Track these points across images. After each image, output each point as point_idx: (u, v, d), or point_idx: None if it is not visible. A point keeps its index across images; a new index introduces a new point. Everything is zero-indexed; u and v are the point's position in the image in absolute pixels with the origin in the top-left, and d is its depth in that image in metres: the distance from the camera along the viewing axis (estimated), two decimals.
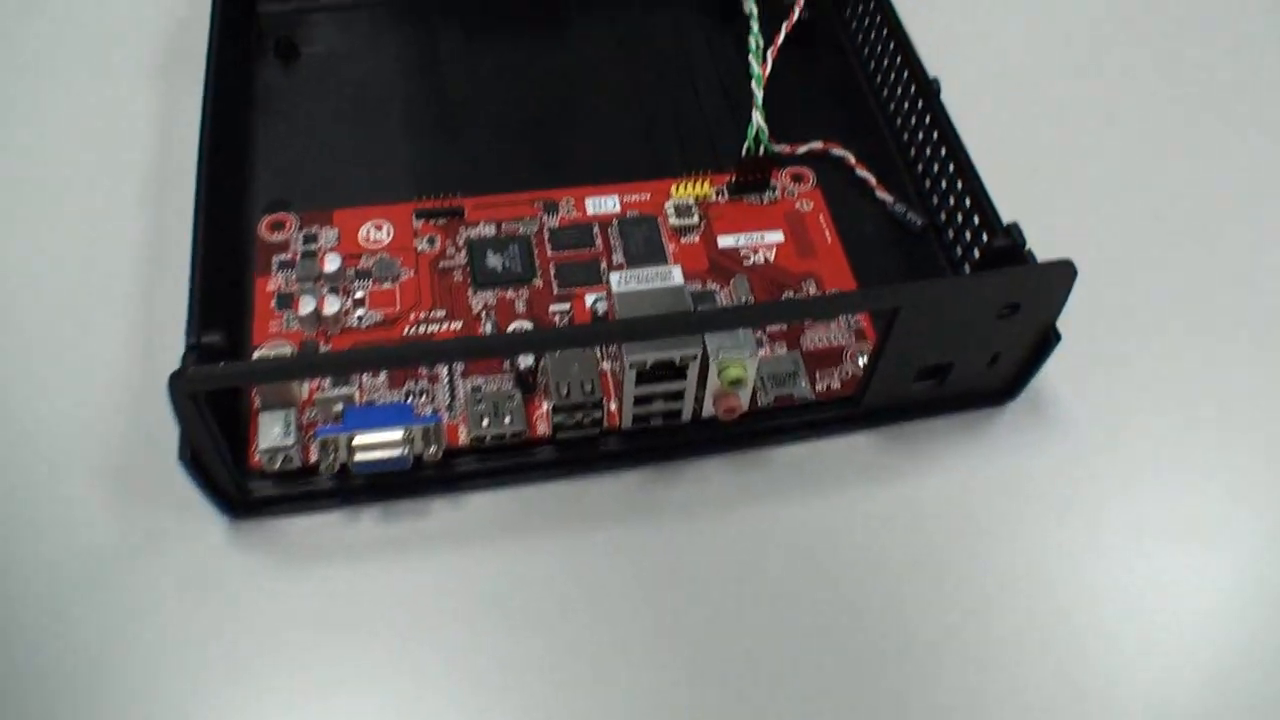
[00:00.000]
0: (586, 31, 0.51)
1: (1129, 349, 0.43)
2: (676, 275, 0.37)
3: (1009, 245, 0.40)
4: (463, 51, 0.50)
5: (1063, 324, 0.38)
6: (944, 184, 0.45)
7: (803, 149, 0.47)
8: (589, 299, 0.41)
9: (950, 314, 0.36)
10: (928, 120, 0.46)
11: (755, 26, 0.47)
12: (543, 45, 0.51)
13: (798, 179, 0.46)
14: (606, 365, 0.39)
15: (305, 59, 0.49)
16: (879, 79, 0.50)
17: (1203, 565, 0.38)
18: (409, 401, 0.38)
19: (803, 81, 0.50)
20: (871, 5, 0.49)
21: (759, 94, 0.44)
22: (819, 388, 0.40)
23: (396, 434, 0.35)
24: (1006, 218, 0.41)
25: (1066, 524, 0.38)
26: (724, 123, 0.47)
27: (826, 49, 0.52)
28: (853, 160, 0.47)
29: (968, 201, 0.43)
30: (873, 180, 0.46)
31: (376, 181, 0.45)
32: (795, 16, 0.49)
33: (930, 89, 0.45)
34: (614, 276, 0.36)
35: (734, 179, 0.45)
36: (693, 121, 0.48)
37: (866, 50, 0.50)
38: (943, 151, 0.45)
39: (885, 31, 0.48)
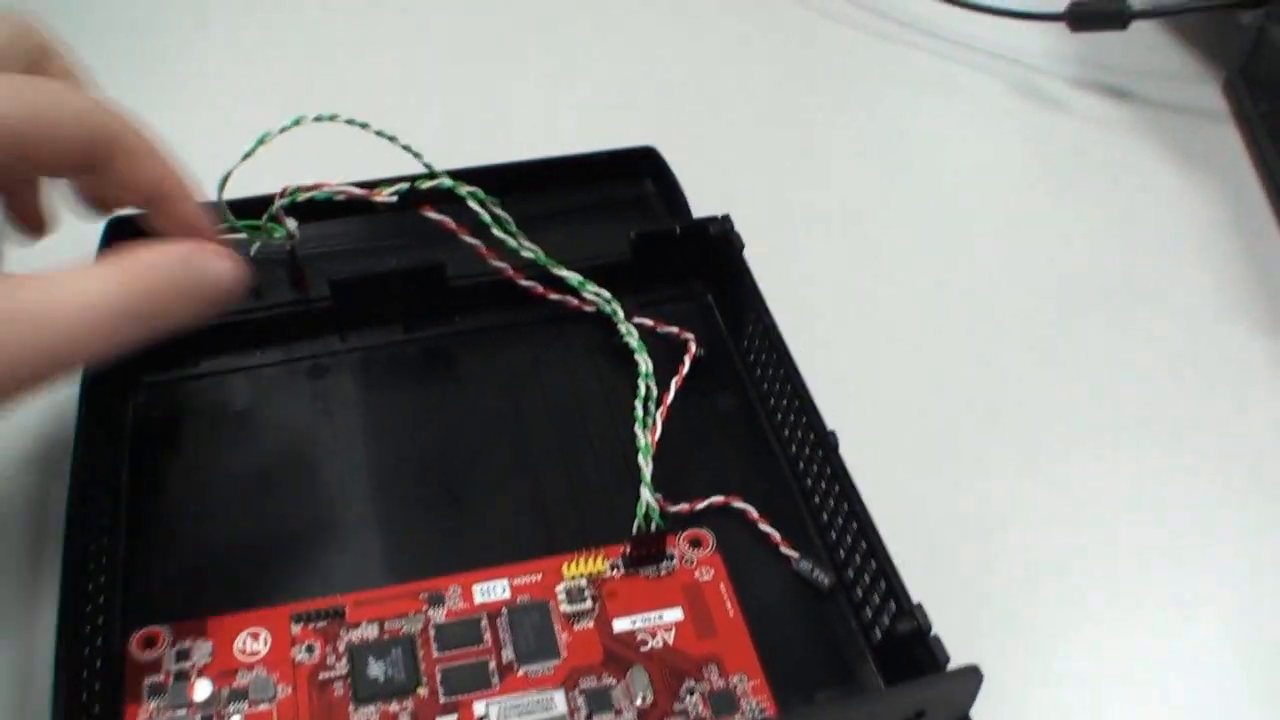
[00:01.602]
0: (476, 397, 0.50)
1: None
2: (559, 703, 0.34)
3: (914, 630, 0.38)
4: (344, 429, 0.48)
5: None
6: (849, 540, 0.43)
7: (702, 504, 0.45)
8: (478, 708, 0.38)
9: None
10: (829, 473, 0.44)
11: (643, 387, 0.46)
12: (430, 415, 0.49)
13: (696, 544, 0.44)
14: None
15: (183, 443, 0.47)
16: (779, 424, 0.48)
17: None
18: None
19: (701, 427, 0.49)
20: (767, 346, 0.48)
21: (646, 469, 0.42)
22: None
23: None
24: (916, 574, 0.40)
25: None
26: (621, 488, 0.45)
27: (725, 391, 0.50)
28: (754, 515, 0.45)
29: (873, 564, 0.41)
30: (776, 536, 0.44)
31: (254, 582, 0.43)
32: (685, 369, 0.47)
33: (829, 442, 0.44)
34: (493, 709, 0.34)
35: (628, 552, 0.42)
36: (587, 488, 0.46)
37: (766, 394, 0.49)
38: (845, 508, 0.43)
39: (781, 373, 0.47)
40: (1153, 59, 0.75)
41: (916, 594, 0.39)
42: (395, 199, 0.47)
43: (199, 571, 0.43)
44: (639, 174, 0.59)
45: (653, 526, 0.42)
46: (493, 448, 0.48)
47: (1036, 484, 0.50)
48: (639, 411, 0.45)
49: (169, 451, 0.47)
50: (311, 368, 0.51)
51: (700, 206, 0.55)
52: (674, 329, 0.51)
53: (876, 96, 0.71)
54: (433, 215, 0.48)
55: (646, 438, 0.44)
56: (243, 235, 0.48)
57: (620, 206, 0.58)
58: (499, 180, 0.53)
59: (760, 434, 0.49)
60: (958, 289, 0.58)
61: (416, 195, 0.48)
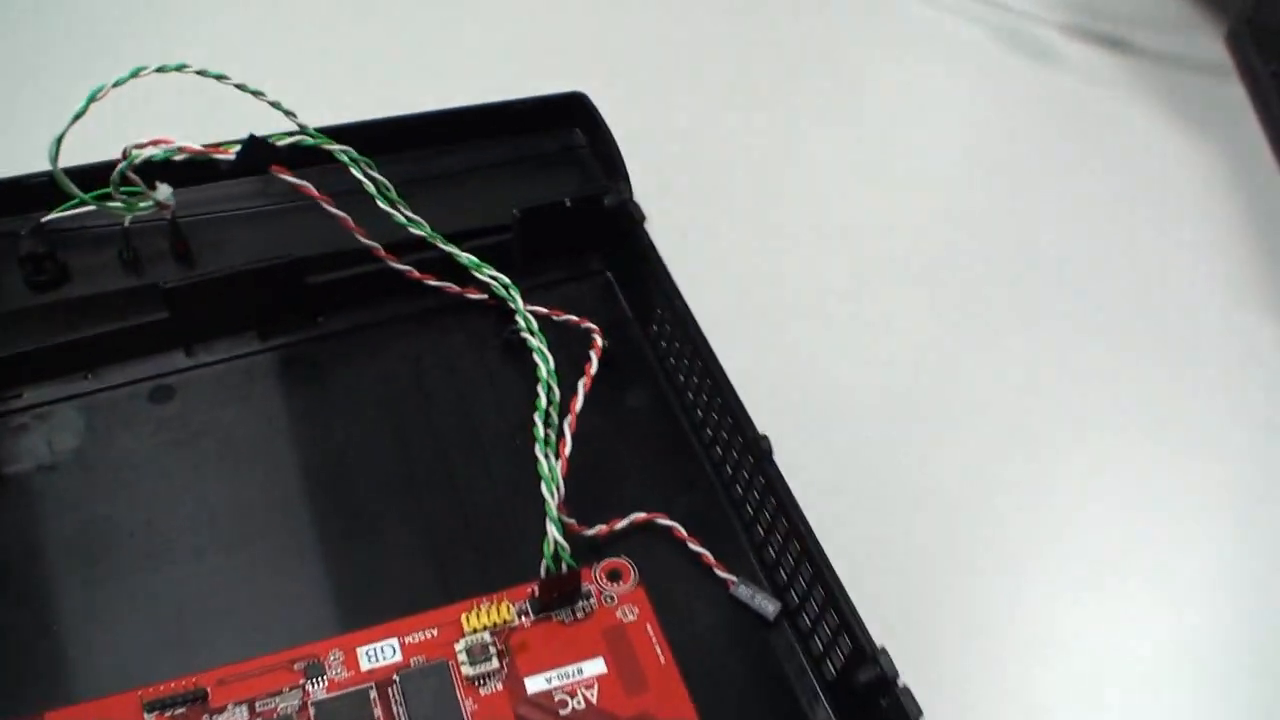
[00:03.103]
0: (350, 415, 0.43)
1: None
2: None
3: (878, 676, 0.32)
4: (195, 463, 0.41)
5: None
6: (791, 560, 0.37)
7: (621, 524, 0.39)
8: None
9: None
10: (762, 483, 0.38)
11: (543, 398, 0.39)
12: (296, 440, 0.42)
13: (615, 577, 0.38)
14: None
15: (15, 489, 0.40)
16: (700, 423, 0.42)
17: None
18: None
19: (613, 429, 0.43)
20: (680, 334, 0.42)
21: (552, 501, 0.36)
22: None
23: None
24: (870, 594, 0.35)
25: None
26: (525, 518, 0.39)
27: (635, 386, 0.44)
28: (681, 533, 0.39)
29: (820, 590, 0.35)
30: (709, 557, 0.38)
31: (93, 665, 0.36)
32: (593, 367, 0.40)
33: (760, 448, 0.37)
34: None
35: (535, 594, 0.36)
36: (486, 520, 0.40)
37: (683, 387, 0.43)
38: (783, 524, 0.37)
39: (699, 365, 0.41)
40: (1149, 6, 0.68)
41: (871, 617, 0.34)
42: (236, 157, 0.39)
43: (29, 657, 0.36)
44: (565, 125, 0.51)
45: (563, 566, 0.36)
46: (372, 477, 0.41)
47: (1014, 488, 0.44)
48: (540, 429, 0.38)
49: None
50: (154, 390, 0.43)
51: (640, 164, 0.47)
52: (573, 317, 0.44)
53: (844, 41, 0.64)
54: (289, 178, 0.40)
55: (551, 461, 0.37)
56: (92, 206, 0.42)
57: (542, 165, 0.51)
58: (382, 136, 0.46)
59: (681, 436, 0.43)
60: (920, 263, 0.52)
61: (272, 154, 0.40)
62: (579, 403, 0.39)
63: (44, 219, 0.42)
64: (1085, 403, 0.47)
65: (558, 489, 0.36)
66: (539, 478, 0.37)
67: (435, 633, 0.37)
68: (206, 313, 0.43)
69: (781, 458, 0.38)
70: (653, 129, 0.54)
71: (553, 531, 0.35)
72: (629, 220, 0.44)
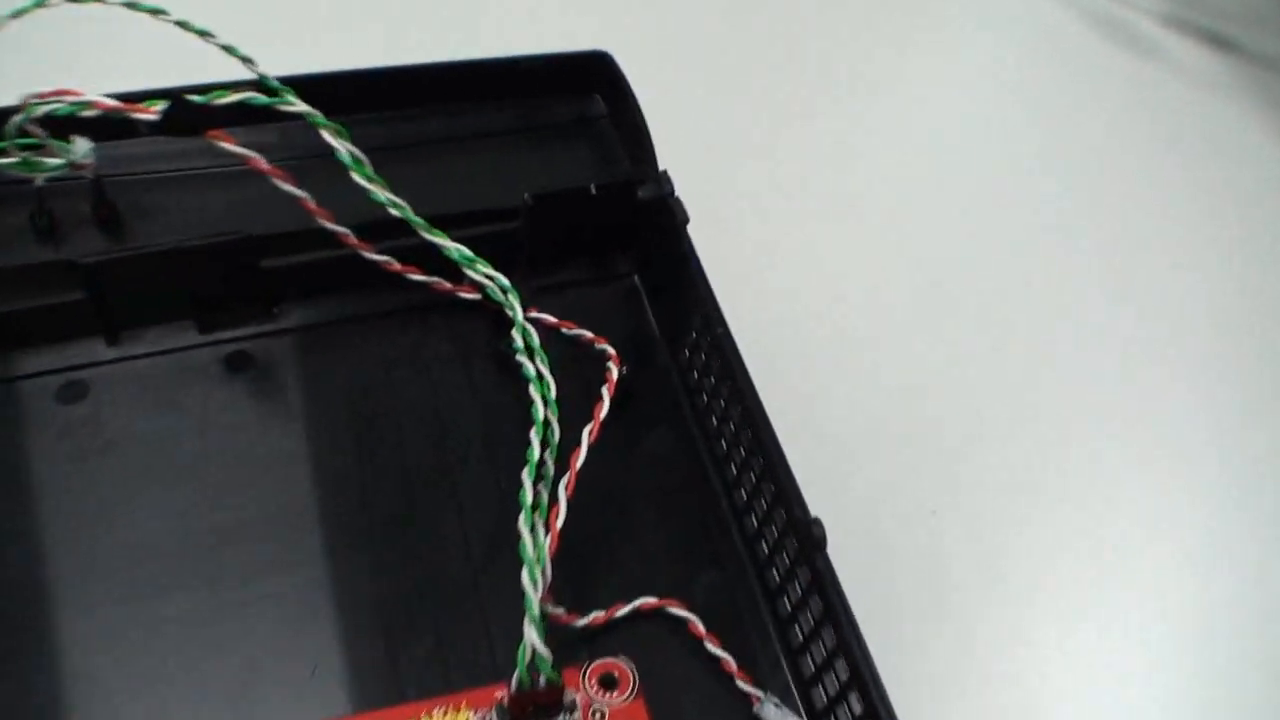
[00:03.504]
0: (300, 437, 0.35)
1: None
2: None
3: None
4: (108, 480, 0.33)
5: None
6: (837, 677, 0.29)
7: (622, 611, 0.30)
8: None
9: None
10: (808, 578, 0.29)
11: (535, 447, 0.30)
12: (231, 464, 0.34)
13: (609, 683, 0.29)
14: None
15: None
16: (734, 483, 0.33)
17: None
18: None
19: (622, 483, 0.34)
20: (718, 367, 0.34)
21: (534, 594, 0.27)
22: None
23: None
24: None
25: None
26: (502, 596, 0.31)
27: (658, 426, 0.35)
28: (699, 629, 0.30)
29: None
30: (730, 663, 0.30)
31: None
32: (604, 408, 0.32)
33: (811, 535, 0.29)
34: None
35: (503, 702, 0.28)
36: (452, 596, 0.31)
37: (715, 433, 0.34)
38: (831, 634, 0.28)
39: (739, 411, 0.32)
40: (1259, 4, 0.59)
41: None
42: (159, 118, 0.30)
43: None
44: (584, 89, 0.42)
45: (540, 681, 0.27)
46: (321, 516, 0.33)
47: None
48: (528, 490, 0.29)
49: None
50: (63, 386, 0.35)
51: (667, 136, 0.38)
52: (587, 333, 0.35)
53: (907, 22, 0.54)
54: (232, 147, 0.32)
55: (538, 537, 0.28)
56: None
57: (553, 137, 0.41)
58: (359, 93, 0.37)
59: (708, 498, 0.34)
60: (998, 288, 0.43)
61: (206, 118, 0.31)
62: (581, 457, 0.30)
63: None
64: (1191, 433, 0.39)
65: (543, 576, 0.28)
66: (519, 558, 0.28)
67: None
68: (134, 295, 0.35)
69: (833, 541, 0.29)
70: (682, 103, 0.44)
71: (531, 635, 0.27)
72: (668, 218, 0.35)
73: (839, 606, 0.29)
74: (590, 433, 0.31)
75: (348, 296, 0.37)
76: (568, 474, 0.30)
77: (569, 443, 0.31)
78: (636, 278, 0.39)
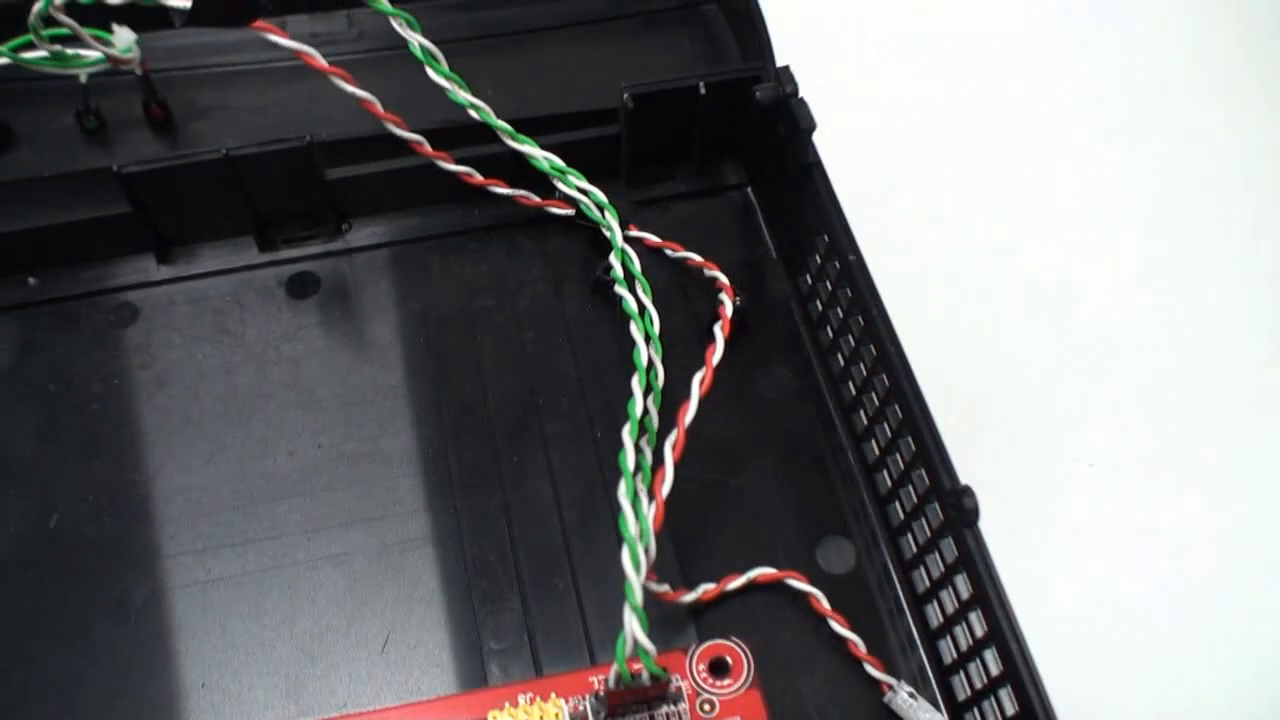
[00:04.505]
0: (367, 364, 0.30)
1: None
2: None
3: None
4: (172, 416, 0.30)
5: None
6: (985, 667, 0.24)
7: (736, 583, 0.26)
8: None
9: None
10: (957, 555, 0.25)
11: (638, 396, 0.26)
12: (297, 390, 0.30)
13: (719, 670, 0.25)
14: None
15: None
16: (864, 433, 0.29)
17: None
18: None
19: (736, 432, 0.30)
20: (849, 300, 0.29)
21: (635, 578, 0.23)
22: None
23: None
24: None
25: None
26: (594, 570, 0.27)
27: (776, 363, 0.31)
28: (823, 605, 0.26)
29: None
30: (859, 646, 0.26)
31: None
32: (716, 351, 0.27)
33: (961, 506, 0.24)
34: None
35: (599, 694, 0.24)
36: (538, 558, 0.27)
37: (841, 374, 0.30)
38: (980, 618, 0.24)
39: (873, 352, 0.27)
40: None
41: None
42: (191, 6, 0.26)
43: None
44: None
45: (644, 676, 0.23)
46: (394, 458, 0.29)
47: None
48: (628, 451, 0.25)
49: None
50: (115, 308, 0.31)
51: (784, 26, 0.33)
52: (694, 256, 0.31)
53: None
54: (283, 41, 0.27)
55: (640, 511, 0.24)
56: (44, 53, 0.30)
57: (653, 27, 0.37)
58: None
59: (834, 452, 0.29)
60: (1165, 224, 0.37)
61: (252, 5, 0.27)
62: (690, 411, 0.26)
63: None
64: None
65: (646, 556, 0.23)
66: (618, 528, 0.23)
67: None
68: (187, 208, 0.31)
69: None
70: None
71: (632, 626, 0.23)
72: (789, 124, 0.30)
73: (991, 589, 0.25)
74: (702, 382, 0.26)
75: (424, 212, 0.33)
76: (674, 432, 0.25)
77: (674, 390, 0.27)
78: (749, 190, 0.34)
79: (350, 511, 0.28)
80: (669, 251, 0.32)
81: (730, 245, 0.33)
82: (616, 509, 0.24)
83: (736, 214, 0.34)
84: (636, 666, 0.24)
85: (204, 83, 0.34)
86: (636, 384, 0.26)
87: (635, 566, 0.23)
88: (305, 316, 0.32)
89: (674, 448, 0.25)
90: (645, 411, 0.27)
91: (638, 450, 0.25)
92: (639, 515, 0.24)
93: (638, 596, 0.23)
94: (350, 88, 0.28)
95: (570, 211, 0.32)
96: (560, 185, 0.31)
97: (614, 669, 0.24)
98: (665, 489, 0.25)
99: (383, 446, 0.29)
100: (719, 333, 0.28)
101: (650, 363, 0.27)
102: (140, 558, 0.28)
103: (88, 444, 0.29)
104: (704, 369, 0.27)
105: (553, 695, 0.25)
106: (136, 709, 0.26)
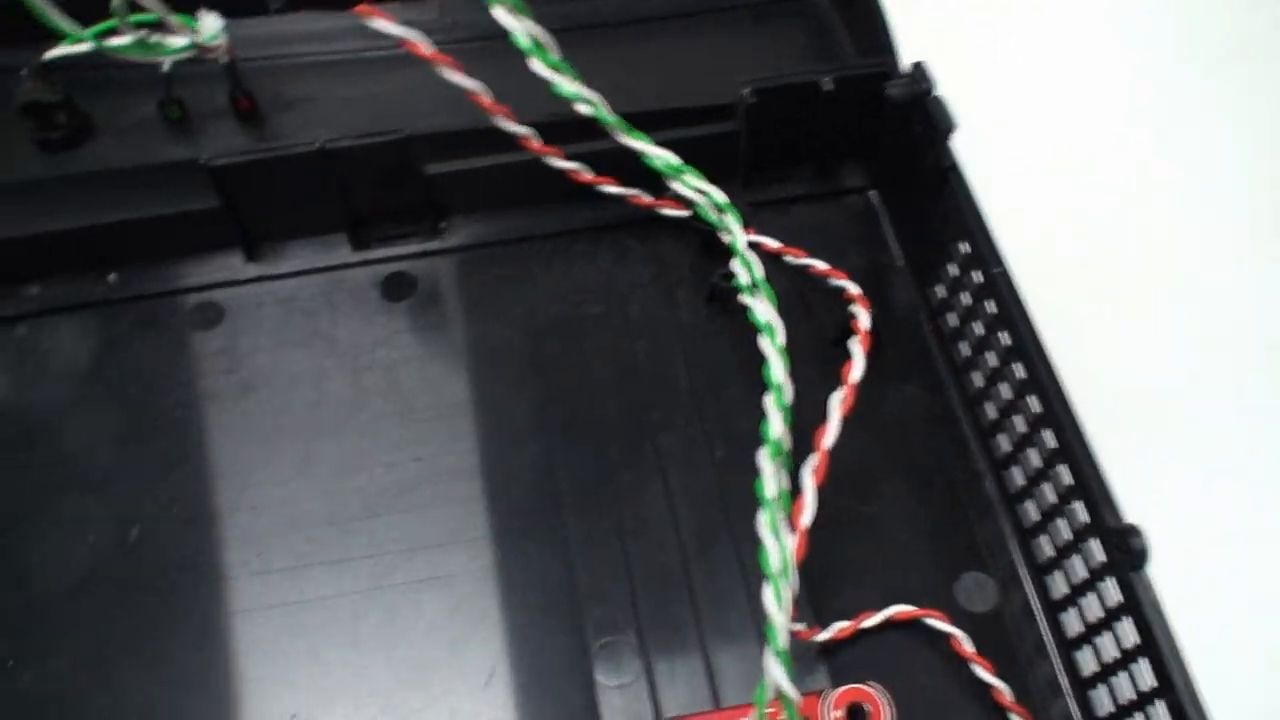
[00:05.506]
0: (464, 375, 0.29)
1: None
2: None
3: None
4: (253, 411, 0.28)
5: None
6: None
7: (872, 620, 0.24)
8: None
9: None
10: (1115, 600, 0.23)
11: (773, 413, 0.24)
12: (401, 396, 0.28)
13: (857, 716, 0.23)
14: None
15: None
16: (1007, 458, 0.27)
17: None
18: None
19: (864, 460, 0.27)
20: (991, 316, 0.27)
21: (778, 615, 0.21)
22: None
23: None
24: None
25: None
26: (720, 606, 0.24)
27: (906, 379, 0.29)
28: (965, 647, 0.24)
29: None
30: (1005, 694, 0.24)
31: None
32: (854, 371, 0.25)
33: (1126, 545, 0.22)
34: None
35: None
36: (660, 591, 0.25)
37: (980, 394, 0.28)
38: (1146, 673, 0.22)
39: (1020, 369, 0.25)
40: None
41: None
42: None
43: None
44: None
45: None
46: (496, 475, 0.27)
47: None
48: (766, 485, 0.23)
49: None
50: (198, 307, 0.29)
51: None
52: (820, 264, 0.28)
53: None
54: (386, 26, 0.25)
55: (783, 543, 0.22)
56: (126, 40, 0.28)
57: (758, 19, 0.34)
58: None
59: (971, 478, 0.27)
60: None
61: None
62: (831, 435, 0.23)
63: (47, 55, 0.28)
64: None
65: (789, 588, 0.21)
66: (750, 557, 0.21)
67: None
68: (277, 204, 0.29)
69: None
70: None
71: (776, 674, 0.21)
72: (924, 124, 0.28)
73: (1163, 640, 0.22)
74: (843, 403, 0.24)
75: (527, 211, 0.31)
76: (813, 456, 0.23)
77: (807, 409, 0.24)
78: (871, 194, 0.32)
79: (452, 531, 0.26)
80: (789, 258, 0.30)
81: (850, 252, 0.31)
82: (755, 540, 0.22)
83: (856, 219, 0.32)
84: (772, 712, 0.22)
85: (288, 73, 0.32)
86: (771, 403, 0.24)
87: (779, 605, 0.21)
88: (400, 320, 0.30)
89: (814, 473, 0.23)
90: (781, 425, 0.24)
91: (776, 469, 0.23)
92: (782, 549, 0.22)
93: (781, 639, 0.21)
94: (458, 77, 0.26)
95: (683, 213, 0.30)
96: (676, 185, 0.29)
97: (753, 717, 0.22)
98: (806, 519, 0.22)
99: (484, 461, 0.27)
100: (856, 348, 0.25)
101: (780, 387, 0.25)
102: (226, 575, 0.26)
103: (170, 452, 0.28)
104: (843, 387, 0.24)
105: None
106: None
